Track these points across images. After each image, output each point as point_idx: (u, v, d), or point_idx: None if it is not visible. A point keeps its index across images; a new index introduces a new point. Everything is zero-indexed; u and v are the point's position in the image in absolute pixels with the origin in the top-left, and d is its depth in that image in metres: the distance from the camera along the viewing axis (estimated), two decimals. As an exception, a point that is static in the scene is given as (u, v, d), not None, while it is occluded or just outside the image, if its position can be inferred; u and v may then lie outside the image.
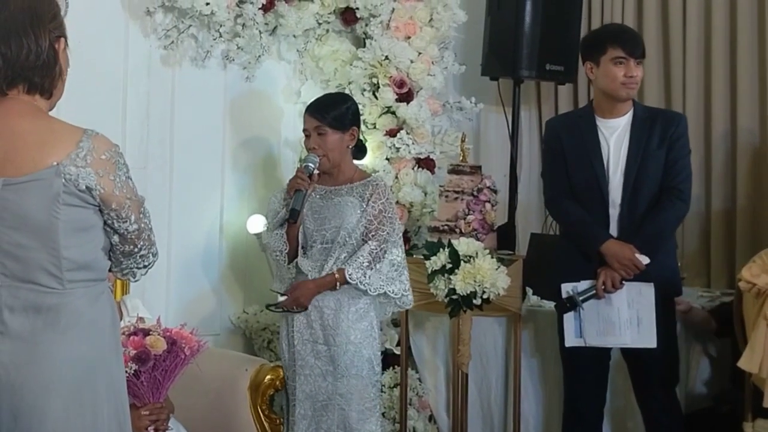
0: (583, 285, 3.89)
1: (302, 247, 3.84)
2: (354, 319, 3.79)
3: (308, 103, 4.04)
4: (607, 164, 3.90)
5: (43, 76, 2.37)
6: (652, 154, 3.87)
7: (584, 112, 4.08)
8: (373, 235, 3.79)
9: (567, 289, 3.90)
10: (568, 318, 3.91)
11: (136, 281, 2.59)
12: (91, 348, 2.36)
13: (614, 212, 3.91)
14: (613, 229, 3.90)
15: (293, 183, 3.81)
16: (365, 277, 3.75)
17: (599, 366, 4.01)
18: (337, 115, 3.88)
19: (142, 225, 2.43)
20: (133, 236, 2.42)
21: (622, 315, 3.87)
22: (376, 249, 3.78)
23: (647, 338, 3.86)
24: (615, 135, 3.93)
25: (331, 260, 3.79)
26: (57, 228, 2.30)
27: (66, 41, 2.44)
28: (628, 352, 3.99)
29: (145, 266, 2.50)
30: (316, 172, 3.82)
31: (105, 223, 2.39)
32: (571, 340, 3.92)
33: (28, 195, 2.30)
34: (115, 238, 2.42)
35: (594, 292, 3.87)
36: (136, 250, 2.44)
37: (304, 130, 3.92)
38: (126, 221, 2.39)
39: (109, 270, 2.50)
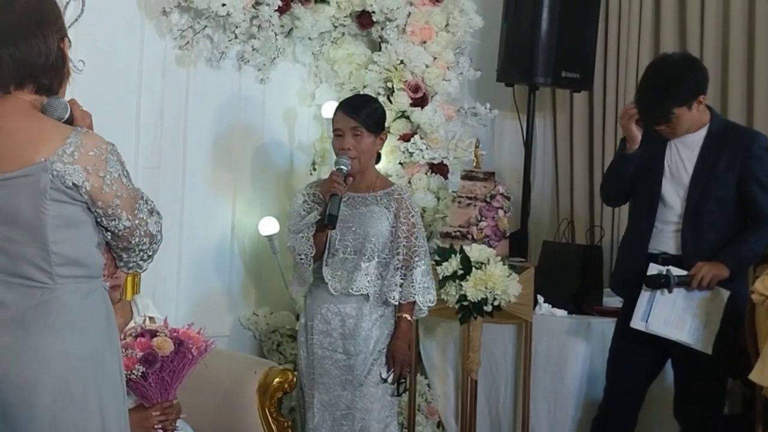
0: (676, 270, 3.78)
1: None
2: (373, 328, 3.75)
3: (341, 101, 3.98)
4: (670, 178, 3.85)
5: (52, 77, 2.39)
6: (718, 177, 3.79)
7: None
8: (415, 252, 3.74)
9: (660, 269, 3.77)
10: (643, 298, 3.80)
11: (143, 272, 2.58)
12: (81, 343, 2.35)
13: (663, 227, 3.85)
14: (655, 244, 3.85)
15: (329, 187, 3.65)
16: (429, 302, 3.77)
17: (646, 371, 3.97)
18: (373, 117, 3.79)
19: (136, 222, 2.42)
20: (125, 233, 2.41)
21: (695, 312, 3.78)
22: (425, 267, 3.76)
23: (706, 343, 3.77)
24: (686, 151, 3.85)
25: (359, 274, 3.71)
26: (45, 223, 2.32)
27: (69, 42, 2.45)
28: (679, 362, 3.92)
29: (149, 256, 2.50)
30: (350, 177, 3.73)
31: (96, 220, 2.39)
32: (637, 322, 3.80)
33: (16, 190, 2.31)
34: (108, 235, 2.42)
35: (688, 280, 3.76)
36: (131, 245, 2.44)
37: (337, 130, 3.77)
38: (115, 219, 2.39)
39: (116, 266, 2.50)
